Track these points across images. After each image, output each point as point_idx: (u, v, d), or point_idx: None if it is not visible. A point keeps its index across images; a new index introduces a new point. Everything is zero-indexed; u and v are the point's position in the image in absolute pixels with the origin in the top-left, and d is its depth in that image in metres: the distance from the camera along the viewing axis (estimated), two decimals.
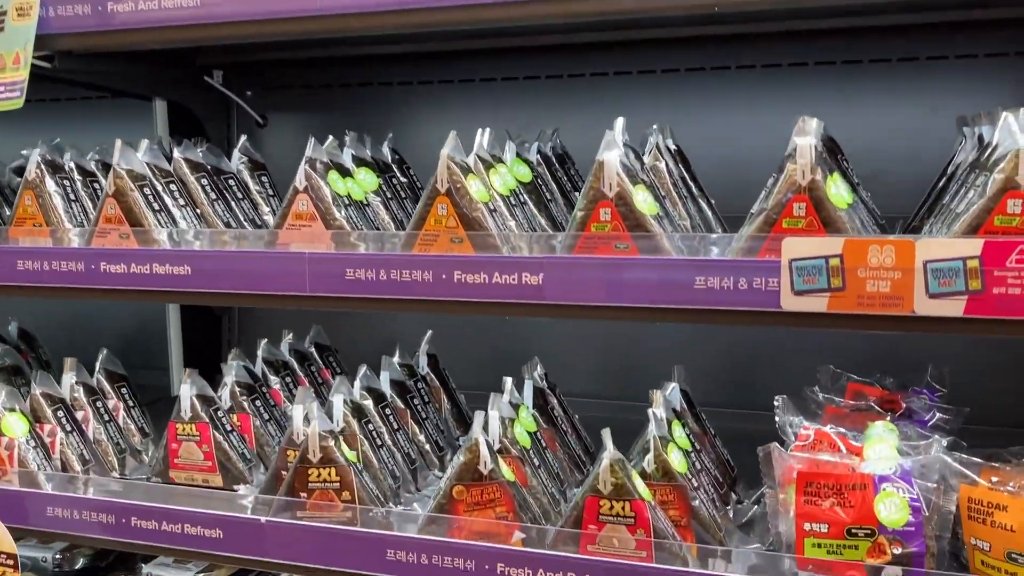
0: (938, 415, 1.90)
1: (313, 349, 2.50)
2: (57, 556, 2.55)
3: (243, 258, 1.81)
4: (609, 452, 1.63)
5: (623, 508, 1.61)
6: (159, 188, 1.97)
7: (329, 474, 1.80)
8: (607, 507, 1.62)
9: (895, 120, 2.28)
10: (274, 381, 2.33)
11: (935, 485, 1.57)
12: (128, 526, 1.88)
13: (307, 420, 1.83)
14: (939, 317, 1.42)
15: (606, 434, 1.66)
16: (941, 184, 1.83)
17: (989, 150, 1.53)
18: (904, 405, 1.92)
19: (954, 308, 1.41)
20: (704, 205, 1.94)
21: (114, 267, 1.86)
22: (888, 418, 1.82)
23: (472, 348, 2.63)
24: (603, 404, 2.50)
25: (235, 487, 2.05)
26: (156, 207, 1.93)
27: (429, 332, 2.38)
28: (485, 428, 1.80)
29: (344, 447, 1.84)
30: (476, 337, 2.65)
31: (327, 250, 1.79)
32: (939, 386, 2.02)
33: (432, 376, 2.34)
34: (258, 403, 2.20)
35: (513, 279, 1.63)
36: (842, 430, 1.73)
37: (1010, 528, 1.48)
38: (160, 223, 1.92)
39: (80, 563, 2.55)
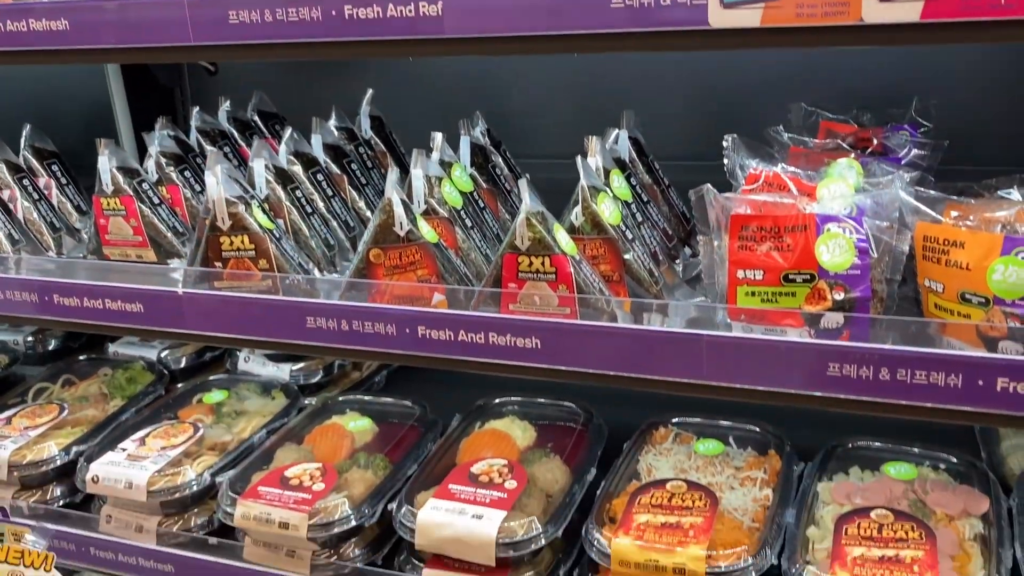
0: (914, 151, 1.69)
1: (256, 117, 2.33)
2: (29, 339, 2.56)
3: (122, 8, 1.61)
4: (525, 205, 1.48)
5: (542, 264, 1.48)
6: None
7: (242, 242, 1.69)
8: (526, 263, 1.49)
9: None
10: (211, 152, 2.19)
11: (888, 224, 1.40)
12: (52, 304, 1.81)
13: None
14: (891, 24, 1.19)
15: (523, 185, 1.50)
16: None
17: None
18: (877, 142, 1.71)
19: (909, 12, 1.18)
20: None
21: None
22: (853, 155, 1.62)
23: (426, 105, 2.43)
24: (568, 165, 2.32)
25: (169, 261, 1.96)
26: None
27: (370, 92, 2.18)
28: (406, 189, 1.66)
29: (258, 213, 1.71)
30: (430, 93, 2.45)
31: None
32: (924, 121, 1.79)
33: (377, 140, 2.17)
34: (187, 173, 2.07)
35: (410, 10, 1.42)
36: (796, 170, 1.55)
37: (965, 266, 1.31)
38: None
39: (52, 344, 2.56)
